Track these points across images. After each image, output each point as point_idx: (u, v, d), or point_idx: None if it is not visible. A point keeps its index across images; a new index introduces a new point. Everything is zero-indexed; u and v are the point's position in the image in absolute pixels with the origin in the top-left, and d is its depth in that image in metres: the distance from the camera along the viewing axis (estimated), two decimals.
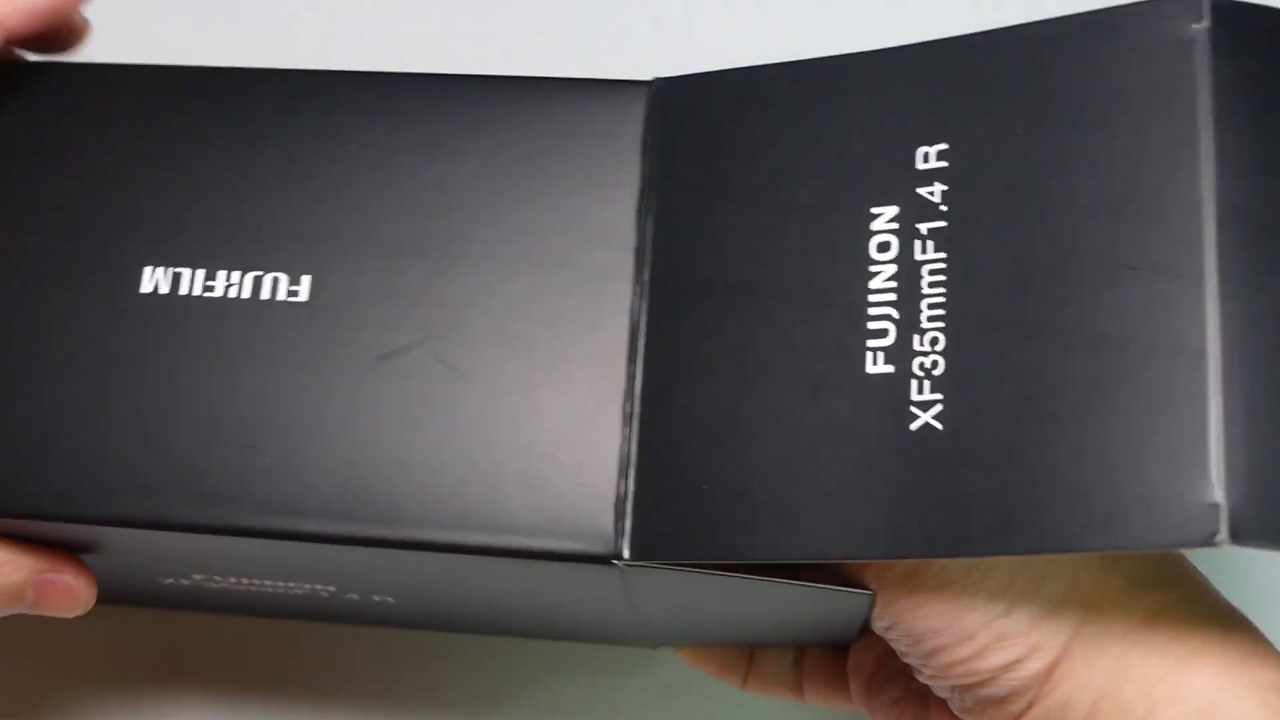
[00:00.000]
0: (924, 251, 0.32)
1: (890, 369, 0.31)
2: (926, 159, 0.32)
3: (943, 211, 0.32)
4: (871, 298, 0.32)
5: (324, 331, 0.34)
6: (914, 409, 0.31)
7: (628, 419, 0.33)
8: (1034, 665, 0.31)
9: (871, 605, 0.33)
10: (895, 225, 0.32)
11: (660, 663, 0.45)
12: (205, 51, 0.40)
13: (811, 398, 0.32)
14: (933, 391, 0.31)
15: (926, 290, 0.31)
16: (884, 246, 0.32)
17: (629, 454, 0.33)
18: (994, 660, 0.32)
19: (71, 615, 0.36)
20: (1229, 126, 0.30)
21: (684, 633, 0.41)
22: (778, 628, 0.39)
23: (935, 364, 0.31)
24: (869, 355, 0.31)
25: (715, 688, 0.43)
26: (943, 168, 0.32)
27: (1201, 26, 0.30)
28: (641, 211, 0.34)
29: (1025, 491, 0.29)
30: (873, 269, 0.32)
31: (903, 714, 0.37)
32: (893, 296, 0.32)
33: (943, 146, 0.32)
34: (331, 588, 0.38)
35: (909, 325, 0.31)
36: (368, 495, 0.33)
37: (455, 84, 0.36)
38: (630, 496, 0.32)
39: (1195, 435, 0.28)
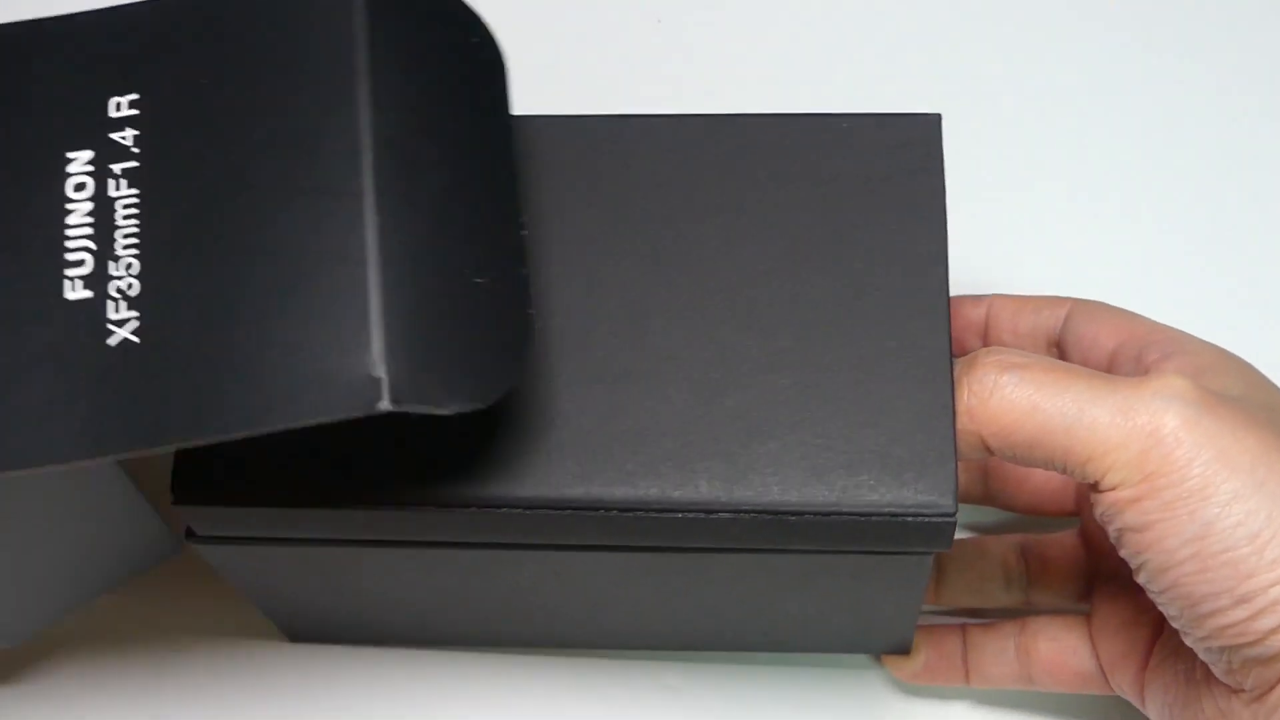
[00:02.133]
0: (118, 189, 0.34)
1: (89, 294, 0.33)
2: (119, 108, 0.35)
3: (135, 153, 0.34)
4: (69, 232, 0.34)
5: None
6: (110, 326, 0.33)
7: None
8: None
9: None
10: (90, 167, 0.34)
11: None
12: None
13: (12, 328, 0.33)
14: (129, 310, 0.33)
15: (121, 222, 0.34)
16: (80, 186, 0.34)
17: None
18: (1267, 622, 0.34)
19: None
20: (382, 75, 0.34)
21: None
22: None
23: (130, 286, 0.33)
24: (67, 283, 0.33)
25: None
26: (135, 115, 0.35)
27: None
28: None
29: (215, 385, 0.32)
30: (69, 206, 0.34)
31: (1176, 699, 0.39)
32: (89, 230, 0.34)
33: (134, 96, 0.35)
34: None
35: (105, 254, 0.33)
36: None
37: None
38: None
39: (359, 324, 0.32)
